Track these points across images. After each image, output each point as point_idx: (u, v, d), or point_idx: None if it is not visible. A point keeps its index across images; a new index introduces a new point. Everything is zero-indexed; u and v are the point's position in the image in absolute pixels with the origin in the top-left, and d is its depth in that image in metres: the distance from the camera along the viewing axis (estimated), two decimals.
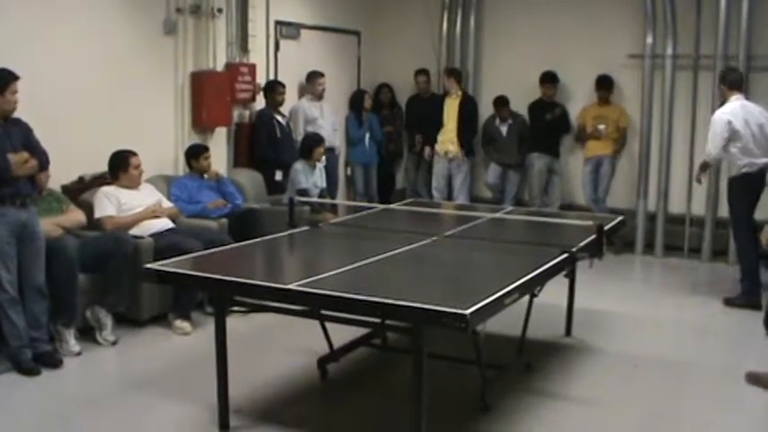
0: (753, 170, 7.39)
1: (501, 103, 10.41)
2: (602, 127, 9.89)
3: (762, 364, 5.58)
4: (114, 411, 5.04)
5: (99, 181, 6.95)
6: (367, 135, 10.44)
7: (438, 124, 10.42)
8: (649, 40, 9.74)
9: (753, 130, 7.38)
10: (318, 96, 9.72)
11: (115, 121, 7.37)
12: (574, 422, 5.00)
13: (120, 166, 6.83)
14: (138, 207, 6.78)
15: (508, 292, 4.06)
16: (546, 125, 10.16)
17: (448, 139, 10.38)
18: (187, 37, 8.22)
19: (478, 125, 10.67)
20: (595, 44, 10.02)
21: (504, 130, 10.48)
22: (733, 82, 7.62)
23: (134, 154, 6.88)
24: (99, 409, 5.05)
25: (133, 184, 6.87)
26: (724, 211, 9.42)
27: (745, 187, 7.50)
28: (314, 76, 9.72)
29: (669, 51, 9.66)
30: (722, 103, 7.63)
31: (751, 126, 7.38)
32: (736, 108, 7.43)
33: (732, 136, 7.37)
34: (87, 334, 6.16)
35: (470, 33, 10.94)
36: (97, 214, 6.62)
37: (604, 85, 9.92)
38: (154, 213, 6.84)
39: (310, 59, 9.98)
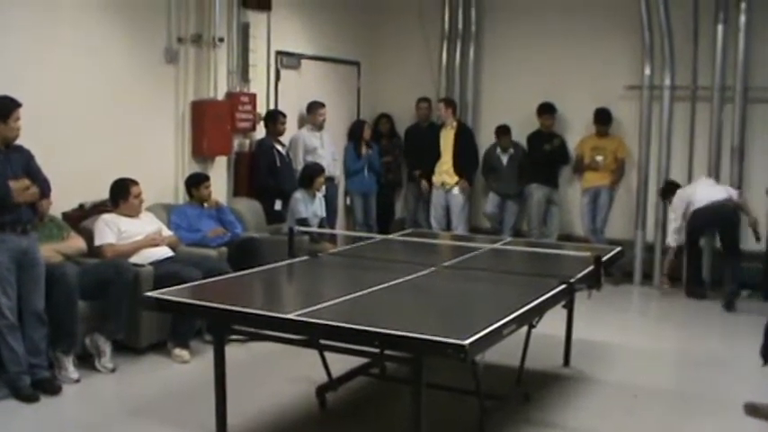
0: None
1: (503, 131, 10.45)
2: (599, 158, 9.94)
3: (759, 393, 5.57)
4: None
5: (99, 208, 6.98)
6: (366, 165, 10.47)
7: (436, 154, 10.48)
8: (647, 71, 9.80)
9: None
10: (319, 126, 9.77)
11: (116, 148, 7.41)
12: None
13: (121, 195, 6.86)
14: (138, 235, 6.80)
15: (507, 323, 4.08)
16: (545, 156, 10.20)
17: (444, 171, 10.46)
18: (188, 66, 8.27)
19: (479, 155, 10.71)
20: (594, 75, 10.09)
21: (504, 159, 10.52)
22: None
23: (135, 183, 6.91)
24: None
25: (133, 213, 6.89)
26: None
27: None
28: (315, 107, 9.77)
29: (667, 83, 9.72)
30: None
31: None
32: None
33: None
34: (86, 361, 6.16)
35: (470, 64, 11.00)
36: (97, 242, 6.64)
37: (602, 118, 9.96)
38: (153, 242, 6.86)
39: (310, 89, 10.03)
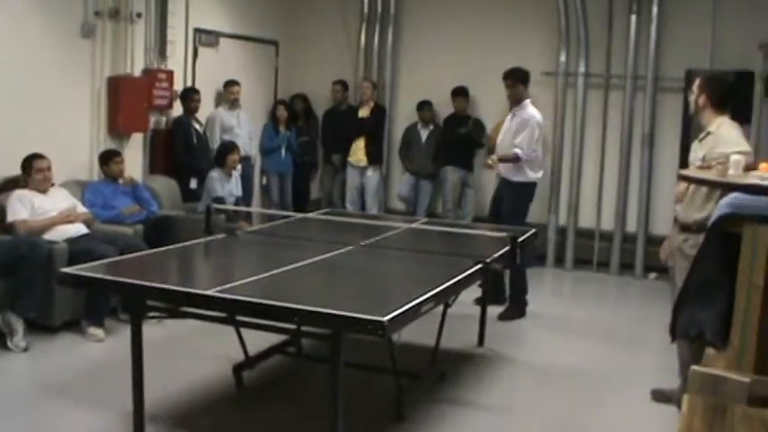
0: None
1: (424, 104, 10.57)
2: None
3: (666, 370, 5.74)
4: (25, 419, 4.97)
5: (12, 184, 6.85)
6: (283, 145, 10.46)
7: (353, 136, 10.56)
8: (563, 58, 9.98)
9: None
10: (232, 104, 9.72)
11: (30, 124, 7.27)
12: (485, 430, 5.10)
13: (25, 170, 6.75)
14: (52, 211, 6.70)
15: (424, 301, 4.14)
16: (460, 139, 10.30)
17: (359, 148, 10.56)
18: (105, 41, 8.14)
19: (383, 135, 10.86)
20: (510, 60, 10.07)
21: (424, 135, 10.62)
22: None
23: (40, 157, 6.78)
24: (9, 417, 4.96)
25: (40, 188, 6.78)
26: (631, 226, 9.74)
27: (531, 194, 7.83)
28: (228, 85, 9.74)
29: (582, 70, 9.91)
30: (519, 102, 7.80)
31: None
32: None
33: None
34: None
35: (388, 46, 11.05)
36: (10, 218, 6.53)
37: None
38: (68, 218, 6.77)
39: (228, 68, 9.98)
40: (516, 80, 7.71)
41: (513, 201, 7.64)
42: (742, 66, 8.33)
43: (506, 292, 7.64)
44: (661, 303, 4.75)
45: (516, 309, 7.61)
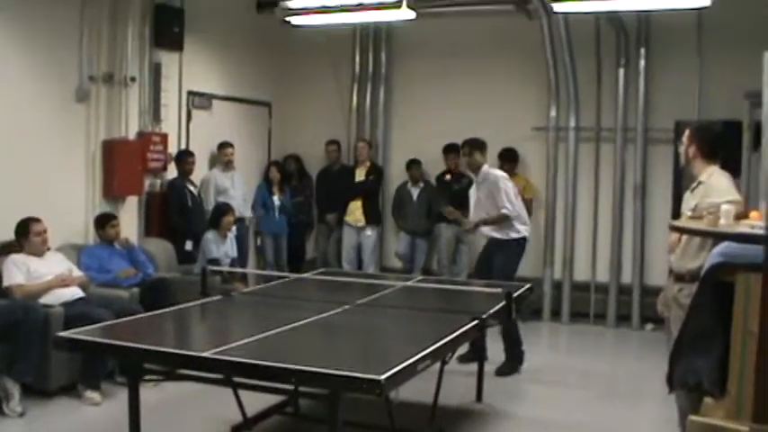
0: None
1: (413, 163, 10.63)
2: None
3: (666, 422, 5.71)
4: None
5: (8, 249, 6.86)
6: (277, 206, 10.49)
7: (348, 197, 10.60)
8: (553, 113, 10.07)
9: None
10: (226, 166, 9.77)
11: (25, 188, 7.29)
12: None
13: (22, 233, 6.76)
14: (47, 275, 6.70)
15: (421, 359, 4.14)
16: (453, 195, 10.34)
17: (357, 208, 10.58)
18: (99, 105, 8.21)
19: (381, 194, 10.91)
20: (501, 116, 10.28)
21: (415, 194, 10.67)
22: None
23: (36, 221, 6.81)
24: None
25: (36, 251, 6.78)
26: (627, 277, 9.76)
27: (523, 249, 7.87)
28: (222, 147, 9.79)
29: (572, 124, 10.00)
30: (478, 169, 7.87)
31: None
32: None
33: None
34: None
35: (380, 105, 11.17)
36: (6, 282, 6.53)
37: (508, 157, 10.12)
38: (63, 282, 6.77)
39: (222, 130, 10.04)
40: (473, 148, 7.84)
41: (505, 258, 7.68)
42: (729, 116, 8.42)
43: (487, 349, 7.59)
44: (659, 354, 4.74)
45: (513, 362, 7.59)
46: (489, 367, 7.05)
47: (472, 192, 7.98)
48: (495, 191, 7.67)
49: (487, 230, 7.80)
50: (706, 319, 3.61)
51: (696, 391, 3.82)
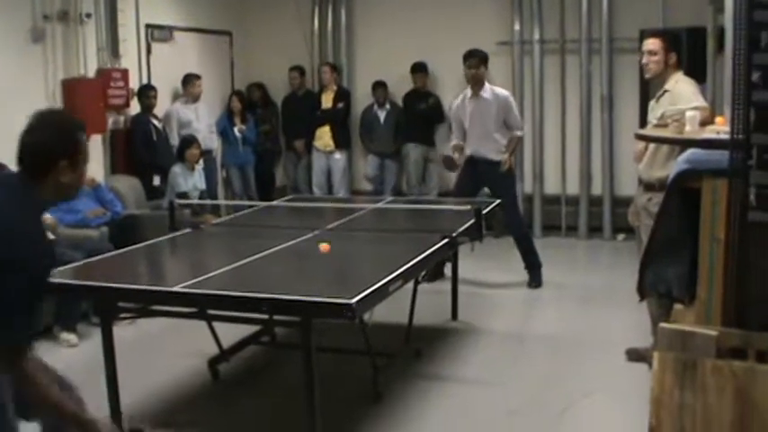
0: None
1: (379, 85, 10.57)
2: None
3: (638, 331, 5.79)
4: None
5: None
6: (240, 136, 10.39)
7: (314, 122, 10.53)
8: (517, 26, 10.00)
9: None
10: (195, 99, 9.65)
11: None
12: (463, 402, 5.12)
13: None
14: None
15: (392, 280, 4.14)
16: (420, 115, 10.31)
17: (325, 133, 10.52)
18: (56, 44, 8.04)
19: (350, 118, 10.85)
20: (465, 33, 10.14)
21: (381, 116, 10.62)
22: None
23: (0, 166, 6.70)
24: None
25: None
26: (597, 189, 9.80)
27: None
28: (190, 79, 9.64)
29: (536, 37, 9.93)
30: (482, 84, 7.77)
31: None
32: None
33: None
34: None
35: (342, 28, 11.03)
36: None
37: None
38: None
39: (183, 62, 9.88)
40: (480, 61, 7.71)
41: (504, 179, 7.74)
42: (694, 22, 8.35)
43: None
44: (631, 263, 4.78)
45: (538, 273, 7.81)
46: (464, 285, 7.07)
47: (460, 110, 7.81)
48: (508, 110, 7.68)
49: (484, 151, 7.70)
50: (674, 226, 3.62)
51: (666, 298, 3.85)
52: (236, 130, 10.29)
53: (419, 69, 10.35)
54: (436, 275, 7.43)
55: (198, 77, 9.65)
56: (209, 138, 9.75)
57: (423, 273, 5.15)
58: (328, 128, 10.53)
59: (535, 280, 7.75)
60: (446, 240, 5.11)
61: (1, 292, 2.76)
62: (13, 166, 6.66)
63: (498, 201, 6.76)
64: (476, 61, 7.68)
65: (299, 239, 5.37)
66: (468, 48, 7.88)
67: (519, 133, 7.75)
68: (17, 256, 2.81)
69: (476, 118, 7.66)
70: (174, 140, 9.17)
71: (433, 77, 10.49)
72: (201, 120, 9.69)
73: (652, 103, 5.51)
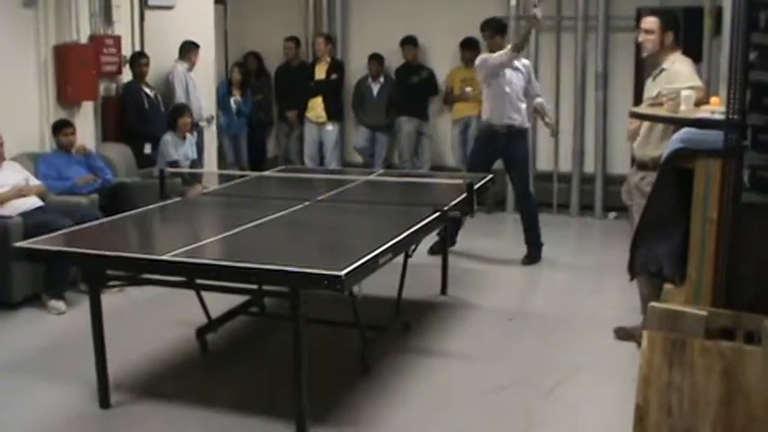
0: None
1: (374, 58, 10.51)
2: (469, 89, 9.98)
3: (627, 310, 5.80)
4: None
5: None
6: (235, 107, 10.34)
7: (307, 93, 10.48)
8: (513, 2, 9.93)
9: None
10: (191, 67, 9.58)
11: None
12: (452, 377, 5.12)
13: None
14: (3, 186, 6.59)
15: (382, 252, 4.14)
16: (413, 88, 10.28)
17: (317, 104, 10.47)
18: (48, 9, 7.93)
19: (343, 90, 10.80)
20: (460, 7, 10.13)
21: (375, 89, 10.57)
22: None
23: None
24: None
25: None
26: (589, 167, 9.79)
27: None
28: (189, 48, 9.56)
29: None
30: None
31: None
32: None
33: None
34: None
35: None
36: None
37: (470, 46, 10.00)
38: (21, 192, 6.67)
39: (177, 30, 9.79)
40: (493, 31, 7.72)
41: (525, 151, 7.91)
42: (690, 2, 8.32)
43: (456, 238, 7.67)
44: (622, 242, 4.77)
45: (537, 251, 7.80)
46: (454, 260, 7.06)
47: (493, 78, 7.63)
48: (531, 77, 7.77)
49: (516, 117, 7.66)
50: (666, 205, 3.61)
51: (657, 277, 3.85)
52: (232, 100, 10.26)
53: (408, 42, 10.33)
54: (442, 249, 7.41)
55: (197, 46, 9.57)
56: (201, 107, 9.67)
57: (414, 247, 5.13)
58: (321, 99, 10.48)
59: (531, 257, 7.74)
60: (437, 214, 5.10)
61: None
62: (5, 128, 6.70)
63: (490, 176, 6.74)
64: (489, 33, 7.76)
65: (289, 210, 5.36)
66: (465, 22, 7.85)
67: (541, 99, 7.82)
68: None
69: (512, 85, 7.64)
70: (181, 99, 9.16)
71: (426, 50, 10.46)
72: (197, 88, 9.62)
73: (648, 81, 5.50)
